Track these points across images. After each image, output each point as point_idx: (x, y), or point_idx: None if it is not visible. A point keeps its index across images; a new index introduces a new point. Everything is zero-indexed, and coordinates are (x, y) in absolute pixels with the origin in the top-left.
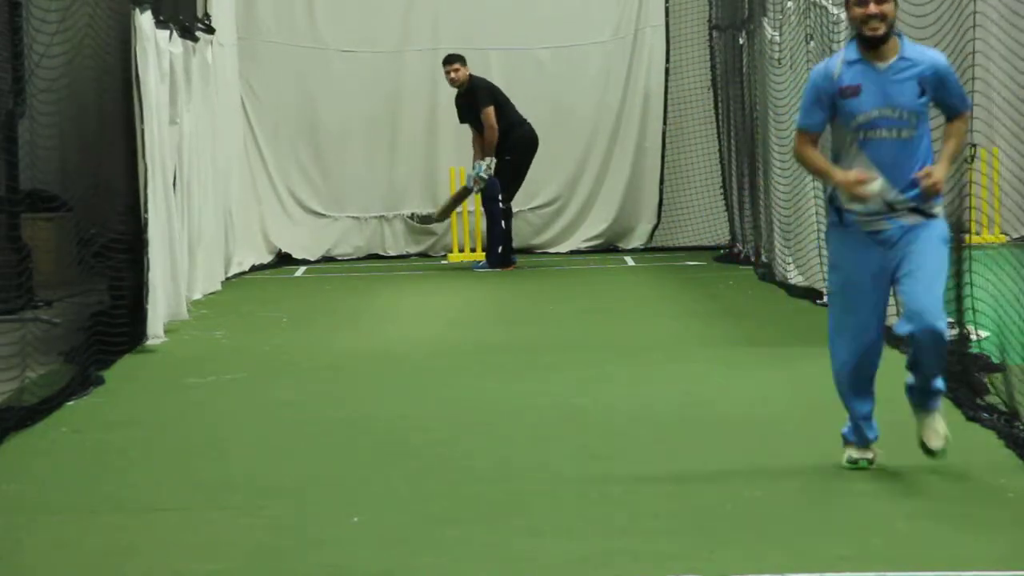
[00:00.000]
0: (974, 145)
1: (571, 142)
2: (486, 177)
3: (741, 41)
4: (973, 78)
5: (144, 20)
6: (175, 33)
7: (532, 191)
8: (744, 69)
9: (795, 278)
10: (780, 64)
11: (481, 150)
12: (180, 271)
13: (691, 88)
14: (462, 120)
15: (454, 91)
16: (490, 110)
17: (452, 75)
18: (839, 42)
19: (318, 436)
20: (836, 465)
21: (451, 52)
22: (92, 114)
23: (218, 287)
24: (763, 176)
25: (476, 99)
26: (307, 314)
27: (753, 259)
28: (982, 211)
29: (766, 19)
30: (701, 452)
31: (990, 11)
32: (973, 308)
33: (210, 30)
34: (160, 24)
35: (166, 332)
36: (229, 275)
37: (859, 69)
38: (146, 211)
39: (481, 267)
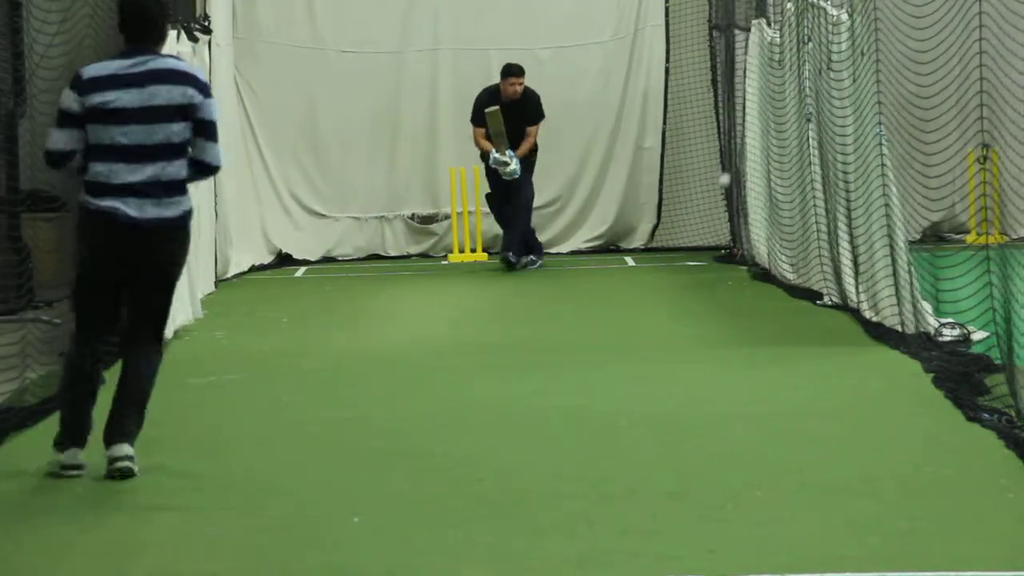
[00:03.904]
0: (986, 146)
1: (571, 142)
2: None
3: (742, 41)
4: (981, 78)
5: None
6: (182, 34)
7: None
8: (744, 69)
9: (795, 278)
10: (780, 65)
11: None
12: (192, 270)
13: (691, 88)
14: (480, 123)
15: (455, 91)
16: (538, 127)
17: (517, 87)
18: (839, 43)
19: (318, 436)
20: (836, 464)
21: (511, 62)
22: None
23: (211, 287)
24: (764, 176)
25: (533, 110)
26: (307, 314)
27: (753, 259)
28: (993, 211)
29: (766, 19)
30: (701, 452)
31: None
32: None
33: (207, 30)
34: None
35: (172, 332)
36: (228, 275)
37: None
38: None
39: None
